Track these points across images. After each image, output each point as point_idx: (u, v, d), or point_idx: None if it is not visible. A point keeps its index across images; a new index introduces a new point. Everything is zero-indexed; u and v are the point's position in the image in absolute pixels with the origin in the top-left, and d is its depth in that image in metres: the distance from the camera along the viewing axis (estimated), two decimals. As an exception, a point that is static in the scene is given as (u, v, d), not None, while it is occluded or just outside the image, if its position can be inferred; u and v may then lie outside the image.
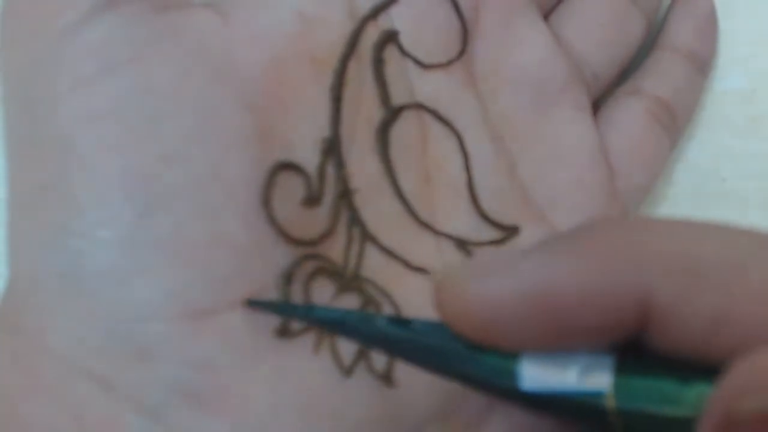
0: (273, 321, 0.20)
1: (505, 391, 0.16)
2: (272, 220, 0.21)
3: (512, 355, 0.16)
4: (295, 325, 0.21)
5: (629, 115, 0.27)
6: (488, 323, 0.16)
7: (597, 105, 0.27)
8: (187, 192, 0.20)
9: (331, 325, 0.19)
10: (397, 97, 0.24)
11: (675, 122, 0.27)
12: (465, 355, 0.17)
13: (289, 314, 0.20)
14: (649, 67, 0.28)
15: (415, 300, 0.22)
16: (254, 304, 0.20)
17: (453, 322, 0.16)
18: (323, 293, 0.21)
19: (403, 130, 0.24)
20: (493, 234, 0.24)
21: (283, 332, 0.20)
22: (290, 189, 0.21)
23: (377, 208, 0.23)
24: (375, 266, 0.22)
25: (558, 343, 0.16)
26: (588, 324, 0.15)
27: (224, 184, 0.20)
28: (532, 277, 0.16)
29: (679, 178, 0.28)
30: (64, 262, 0.19)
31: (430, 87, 0.24)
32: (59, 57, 0.20)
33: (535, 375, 0.16)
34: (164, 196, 0.20)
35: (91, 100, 0.20)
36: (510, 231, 0.24)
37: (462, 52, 0.25)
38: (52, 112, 0.20)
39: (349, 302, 0.22)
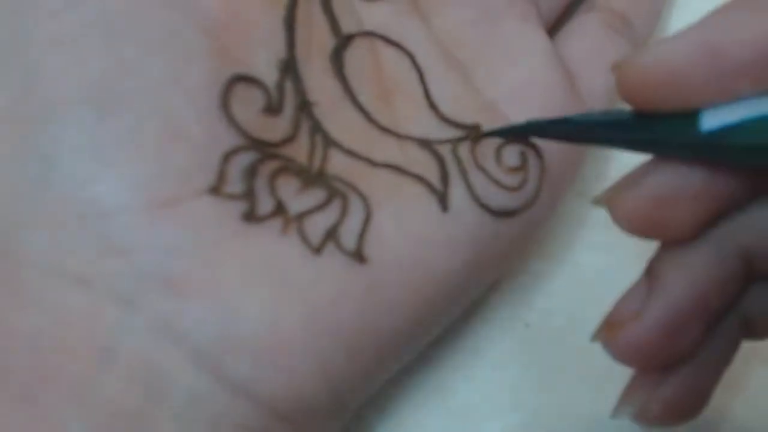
0: (239, 207, 0.20)
1: (686, 142, 0.18)
2: (232, 122, 0.21)
3: (691, 112, 0.18)
4: (261, 209, 0.21)
5: (584, 26, 0.27)
6: (667, 85, 0.17)
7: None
8: (145, 95, 0.20)
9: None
10: (347, 28, 0.24)
11: (633, 31, 0.27)
12: (647, 122, 0.19)
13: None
14: None
15: (382, 192, 0.22)
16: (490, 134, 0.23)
17: (633, 93, 0.18)
18: (288, 188, 0.21)
19: (356, 55, 0.24)
20: (455, 134, 0.23)
21: (250, 217, 0.20)
22: (249, 98, 0.21)
23: (338, 120, 0.23)
24: (339, 166, 0.22)
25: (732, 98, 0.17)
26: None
27: (183, 90, 0.20)
28: (706, 32, 0.17)
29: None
30: (33, 170, 0.20)
31: (376, 17, 0.24)
32: None
33: (714, 118, 0.17)
34: (123, 99, 0.20)
35: (58, 28, 0.20)
36: (471, 129, 0.23)
37: None
38: (21, 41, 0.20)
39: (315, 196, 0.21)
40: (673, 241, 0.20)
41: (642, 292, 0.20)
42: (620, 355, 0.20)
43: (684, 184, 0.19)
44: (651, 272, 0.21)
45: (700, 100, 0.18)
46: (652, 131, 0.19)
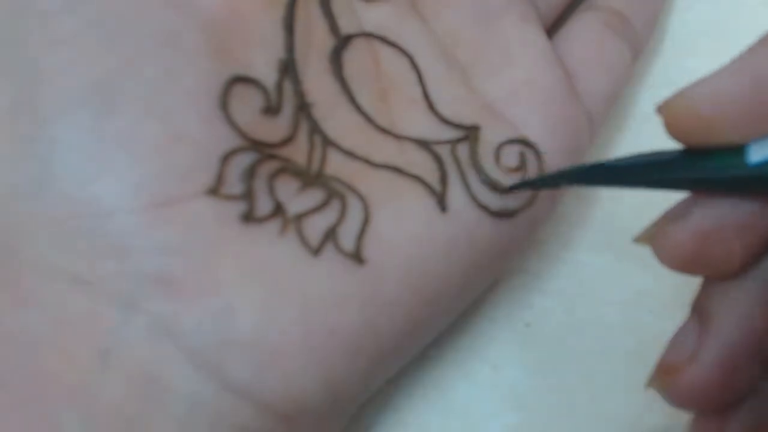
0: (238, 208, 0.20)
1: (733, 176, 0.18)
2: (231, 122, 0.20)
3: (737, 146, 0.17)
4: (260, 210, 0.20)
5: (583, 26, 0.26)
6: (716, 120, 0.17)
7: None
8: (144, 95, 0.20)
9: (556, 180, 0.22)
10: (346, 29, 0.24)
11: (632, 31, 0.27)
12: (692, 158, 0.18)
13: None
14: None
15: (381, 193, 0.22)
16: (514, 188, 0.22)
17: (682, 130, 0.18)
18: (287, 189, 0.21)
19: (355, 56, 0.23)
20: (454, 135, 0.23)
21: (248, 217, 0.20)
22: (249, 99, 0.21)
23: (337, 121, 0.22)
24: (338, 167, 0.22)
25: None
26: None
27: (182, 90, 0.20)
28: (752, 64, 0.17)
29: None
30: (32, 170, 0.19)
31: (375, 17, 0.24)
32: None
33: (761, 149, 0.17)
34: (122, 99, 0.20)
35: (57, 28, 0.20)
36: (471, 129, 0.23)
37: None
38: (21, 41, 0.20)
39: (314, 197, 0.21)
40: (721, 276, 0.19)
41: (693, 332, 0.19)
42: (679, 400, 0.20)
43: (731, 217, 0.18)
44: (700, 310, 0.20)
45: (747, 133, 0.17)
46: (696, 167, 0.18)
